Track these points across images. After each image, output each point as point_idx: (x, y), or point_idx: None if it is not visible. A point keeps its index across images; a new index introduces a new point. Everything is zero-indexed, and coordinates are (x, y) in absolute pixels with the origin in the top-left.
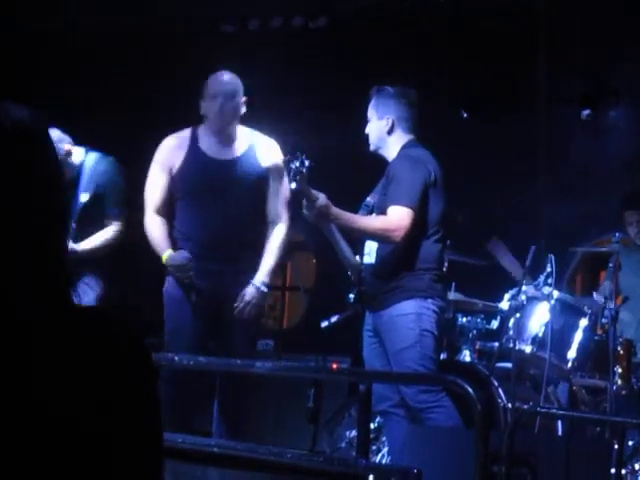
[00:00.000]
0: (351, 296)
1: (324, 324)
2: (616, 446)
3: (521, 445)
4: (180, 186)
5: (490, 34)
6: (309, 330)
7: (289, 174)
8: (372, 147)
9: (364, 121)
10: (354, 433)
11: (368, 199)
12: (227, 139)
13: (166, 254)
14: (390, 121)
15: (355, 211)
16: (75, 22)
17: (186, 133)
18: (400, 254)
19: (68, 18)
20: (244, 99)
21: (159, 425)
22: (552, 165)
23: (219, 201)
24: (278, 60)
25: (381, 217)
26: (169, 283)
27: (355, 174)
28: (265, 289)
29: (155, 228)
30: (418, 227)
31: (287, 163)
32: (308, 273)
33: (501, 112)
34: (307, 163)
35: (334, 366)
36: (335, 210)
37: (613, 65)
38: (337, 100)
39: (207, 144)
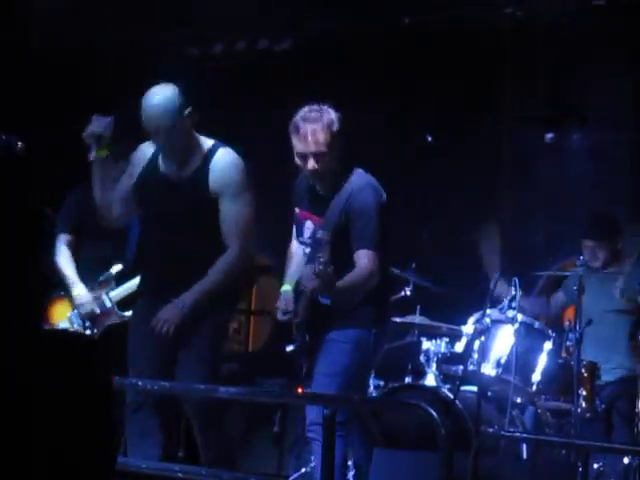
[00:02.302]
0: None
1: (289, 348)
2: (580, 469)
3: (486, 468)
4: (133, 197)
5: (455, 55)
6: (274, 354)
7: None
8: (322, 179)
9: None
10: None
11: (319, 235)
12: (178, 155)
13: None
14: (341, 149)
15: None
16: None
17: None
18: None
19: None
20: (187, 113)
21: (109, 442)
22: (516, 187)
23: (159, 222)
24: (242, 83)
25: (360, 269)
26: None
27: None
28: (184, 309)
29: None
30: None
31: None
32: (273, 297)
33: (465, 133)
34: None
35: (299, 390)
36: (338, 285)
37: (577, 88)
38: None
39: (164, 158)
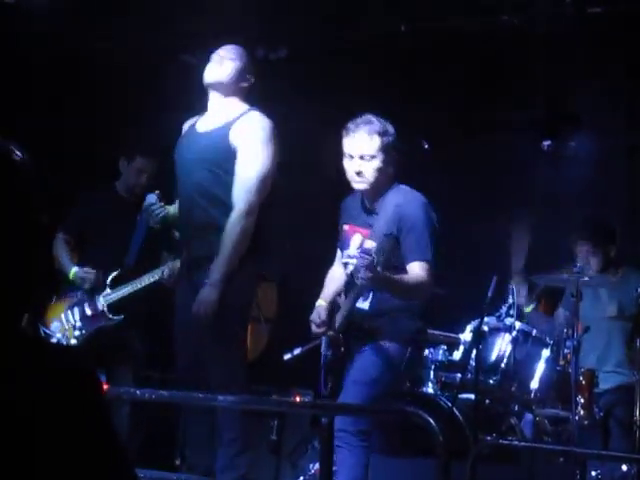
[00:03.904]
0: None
1: (287, 356)
2: (578, 476)
3: (484, 476)
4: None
5: (451, 64)
6: (271, 362)
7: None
8: (366, 187)
9: (339, 152)
10: (317, 466)
11: (367, 246)
12: (218, 113)
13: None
14: (392, 169)
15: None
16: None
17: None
18: (392, 300)
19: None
20: (240, 68)
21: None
22: (514, 194)
23: (184, 175)
24: None
25: (415, 276)
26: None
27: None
28: (216, 288)
29: None
30: None
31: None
32: (269, 304)
33: (462, 141)
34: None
35: (296, 399)
36: (390, 277)
37: (573, 95)
38: (297, 130)
39: (202, 119)
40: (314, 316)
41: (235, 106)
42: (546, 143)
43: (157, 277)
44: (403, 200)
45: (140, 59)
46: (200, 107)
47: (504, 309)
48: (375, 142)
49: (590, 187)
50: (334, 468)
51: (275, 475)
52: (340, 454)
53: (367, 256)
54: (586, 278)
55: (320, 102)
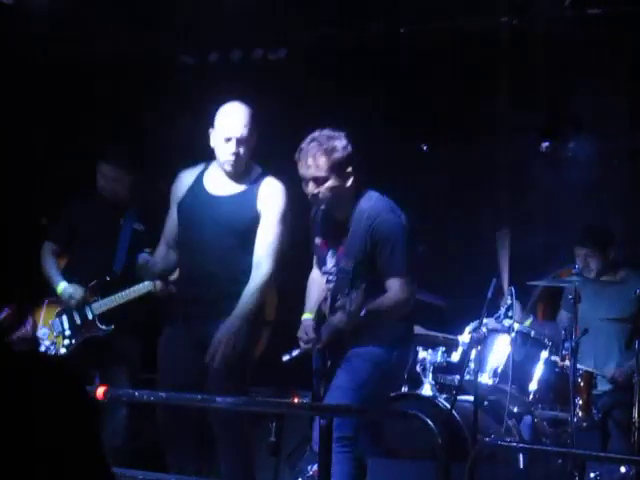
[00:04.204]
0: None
1: (285, 358)
2: (577, 478)
3: (483, 478)
4: (179, 220)
5: (451, 65)
6: (270, 363)
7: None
8: (327, 206)
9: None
10: (315, 467)
11: (342, 265)
12: (234, 176)
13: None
14: (351, 176)
15: None
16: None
17: (198, 168)
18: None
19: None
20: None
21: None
22: (513, 196)
23: (205, 237)
24: (238, 92)
25: (393, 296)
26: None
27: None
28: (235, 329)
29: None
30: None
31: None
32: (270, 307)
33: (462, 143)
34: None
35: (295, 400)
36: (365, 315)
37: (574, 97)
38: (297, 131)
39: (212, 179)
40: (301, 333)
41: (247, 167)
42: (544, 145)
43: (149, 289)
44: (372, 211)
45: (139, 59)
46: (199, 107)
47: (503, 310)
48: (324, 163)
49: (591, 189)
50: (309, 474)
51: (274, 476)
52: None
53: (344, 276)
54: (586, 278)
55: (320, 102)
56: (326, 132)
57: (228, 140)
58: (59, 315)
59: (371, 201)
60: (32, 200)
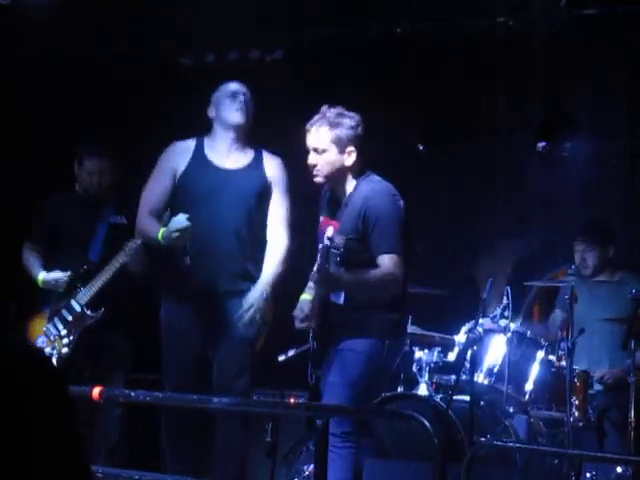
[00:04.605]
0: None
1: (281, 358)
2: (573, 478)
3: (479, 478)
4: (181, 192)
5: (448, 65)
6: (266, 364)
7: (323, 257)
8: (321, 180)
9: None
10: (312, 467)
11: (335, 239)
12: (235, 148)
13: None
14: (353, 154)
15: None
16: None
17: (191, 141)
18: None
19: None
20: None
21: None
22: (510, 196)
23: (217, 211)
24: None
25: (381, 270)
26: (164, 308)
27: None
28: (265, 296)
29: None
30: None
31: (327, 247)
32: (266, 307)
33: (459, 143)
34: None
35: (291, 401)
36: (344, 276)
37: (570, 97)
38: (293, 132)
39: (213, 152)
40: (296, 311)
41: (246, 144)
42: (540, 145)
43: (122, 261)
44: (370, 192)
45: (137, 60)
46: (198, 107)
47: (499, 310)
48: (326, 135)
49: (589, 189)
50: (305, 474)
51: (270, 477)
52: (329, 455)
53: (335, 251)
54: (582, 278)
55: (318, 102)
56: (338, 109)
57: (234, 96)
58: (50, 320)
59: (371, 183)
60: (31, 201)
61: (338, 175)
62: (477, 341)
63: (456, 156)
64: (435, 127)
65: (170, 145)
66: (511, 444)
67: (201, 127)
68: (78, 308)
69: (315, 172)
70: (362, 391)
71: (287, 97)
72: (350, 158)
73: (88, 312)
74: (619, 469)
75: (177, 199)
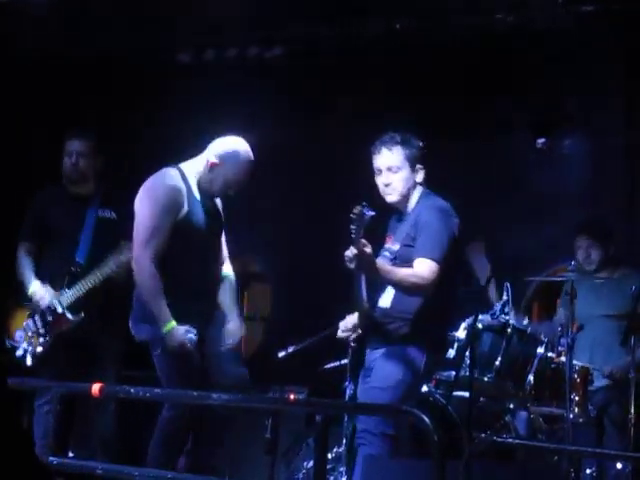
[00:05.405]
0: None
1: (281, 354)
2: (573, 474)
3: (479, 474)
4: (184, 234)
5: (448, 61)
6: (266, 360)
7: (357, 225)
8: (396, 198)
9: (369, 169)
10: (311, 464)
11: (389, 245)
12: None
13: (171, 324)
14: (422, 171)
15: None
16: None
17: (176, 176)
18: (415, 301)
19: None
20: None
21: None
22: (508, 193)
23: (211, 248)
24: (234, 90)
25: (412, 270)
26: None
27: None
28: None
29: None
30: (441, 281)
31: (360, 215)
32: (264, 303)
33: (458, 139)
34: (370, 213)
35: (291, 397)
36: (378, 262)
37: (569, 95)
38: (292, 129)
39: (197, 192)
40: (343, 322)
41: None
42: (540, 141)
43: (107, 273)
44: (423, 206)
45: (137, 59)
46: (196, 107)
47: (498, 306)
48: (399, 154)
49: (587, 186)
50: (303, 471)
51: (270, 473)
52: (361, 451)
53: (388, 255)
54: (583, 274)
55: (316, 100)
56: (401, 133)
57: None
58: (31, 316)
59: (430, 200)
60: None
61: (409, 193)
62: (477, 337)
63: (456, 155)
64: (434, 124)
65: (163, 179)
66: (511, 440)
67: (200, 127)
68: (60, 310)
69: (390, 191)
70: (400, 398)
71: (286, 94)
72: (419, 175)
73: (69, 315)
74: (619, 465)
75: (179, 241)
